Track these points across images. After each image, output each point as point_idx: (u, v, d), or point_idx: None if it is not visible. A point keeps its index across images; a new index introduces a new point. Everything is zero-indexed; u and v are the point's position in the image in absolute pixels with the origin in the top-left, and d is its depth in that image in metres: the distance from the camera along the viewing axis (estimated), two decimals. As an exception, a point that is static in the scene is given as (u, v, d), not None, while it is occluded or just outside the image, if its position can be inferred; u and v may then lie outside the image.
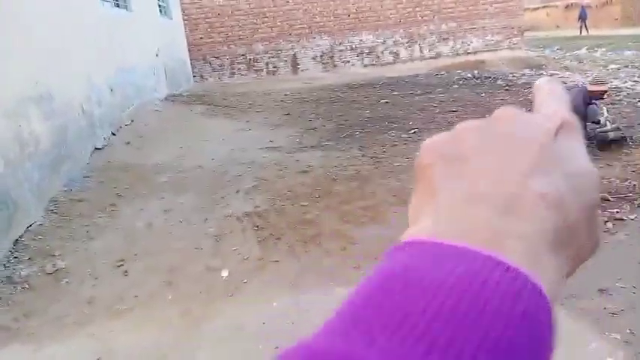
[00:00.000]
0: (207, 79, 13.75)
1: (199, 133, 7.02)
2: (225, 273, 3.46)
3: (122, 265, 3.58)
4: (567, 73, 11.57)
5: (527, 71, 11.66)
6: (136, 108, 7.39)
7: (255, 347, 2.73)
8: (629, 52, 16.03)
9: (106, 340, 2.92)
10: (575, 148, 0.28)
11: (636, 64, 12.87)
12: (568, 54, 17.59)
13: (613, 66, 13.00)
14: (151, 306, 3.16)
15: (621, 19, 25.97)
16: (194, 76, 13.20)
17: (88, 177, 5.10)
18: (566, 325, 2.68)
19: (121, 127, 6.60)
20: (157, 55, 9.06)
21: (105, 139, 6.04)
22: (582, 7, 25.27)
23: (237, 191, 4.80)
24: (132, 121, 7.05)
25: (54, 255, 3.78)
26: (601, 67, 12.19)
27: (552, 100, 0.31)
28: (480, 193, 0.25)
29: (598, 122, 5.61)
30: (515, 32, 14.73)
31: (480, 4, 14.27)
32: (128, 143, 6.24)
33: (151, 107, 8.04)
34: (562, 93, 0.32)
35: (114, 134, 6.30)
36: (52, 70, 4.94)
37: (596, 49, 18.21)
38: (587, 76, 9.92)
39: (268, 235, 3.94)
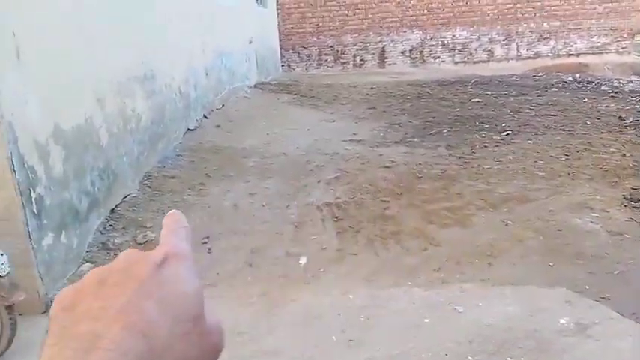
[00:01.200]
0: (294, 68, 13.96)
1: (285, 121, 7.14)
2: (303, 260, 3.50)
3: (207, 242, 3.72)
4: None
5: (634, 78, 10.75)
6: (228, 93, 7.65)
7: (329, 337, 2.73)
8: None
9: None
10: (178, 274, 0.34)
11: None
12: (684, 61, 16.02)
13: None
14: (231, 284, 3.26)
15: None
16: (282, 65, 13.45)
17: (181, 156, 5.35)
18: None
19: (212, 110, 6.86)
20: (250, 43, 9.31)
21: (197, 120, 6.30)
22: None
23: (319, 181, 4.82)
24: (223, 105, 7.30)
25: (145, 226, 4.00)
26: None
27: (170, 234, 0.37)
28: (73, 336, 0.30)
29: None
30: (625, 35, 13.63)
31: (587, 3, 13.34)
32: (218, 126, 6.48)
33: (241, 93, 8.29)
34: (181, 227, 0.39)
35: (206, 117, 6.56)
36: (157, 51, 5.21)
37: None
38: None
39: (347, 227, 3.92)
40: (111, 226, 4.03)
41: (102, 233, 3.92)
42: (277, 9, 13.06)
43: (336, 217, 4.09)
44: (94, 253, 3.68)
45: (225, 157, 5.43)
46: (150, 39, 5.05)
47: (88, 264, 3.58)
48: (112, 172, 4.22)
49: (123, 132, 4.45)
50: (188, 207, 4.24)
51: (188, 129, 5.97)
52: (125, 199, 4.35)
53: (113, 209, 4.18)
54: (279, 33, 13.26)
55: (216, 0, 7.41)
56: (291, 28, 13.86)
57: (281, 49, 13.42)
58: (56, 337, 0.31)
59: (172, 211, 0.41)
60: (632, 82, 10.09)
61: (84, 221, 3.75)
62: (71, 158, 3.66)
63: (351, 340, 2.68)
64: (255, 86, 9.29)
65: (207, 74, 6.75)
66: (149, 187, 4.59)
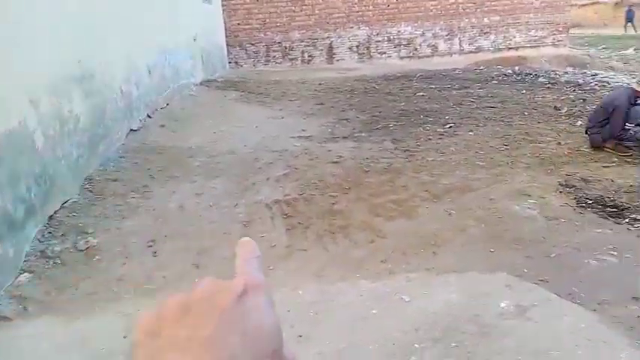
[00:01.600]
0: (242, 65, 13.82)
1: (233, 119, 7.06)
2: (252, 259, 3.47)
3: (152, 245, 3.63)
4: (612, 73, 11.17)
5: (570, 69, 11.31)
6: (172, 91, 7.48)
7: (279, 334, 2.72)
8: (680, 53, 15.34)
9: (133, 319, 2.97)
10: (259, 306, 0.34)
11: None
12: (614, 54, 16.95)
13: (662, 67, 12.46)
14: (178, 287, 3.20)
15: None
16: (229, 62, 13.28)
17: (123, 157, 5.19)
18: (597, 332, 2.60)
19: (156, 109, 6.69)
20: (194, 40, 9.14)
21: (141, 120, 6.13)
22: (629, 7, 24.58)
23: (268, 178, 4.80)
24: (167, 104, 7.14)
25: (87, 232, 3.86)
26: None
27: (245, 264, 0.38)
28: None
29: (640, 125, 5.39)
30: (560, 29, 14.27)
31: (525, -2, 13.87)
32: (163, 126, 6.33)
33: (186, 91, 8.13)
34: (254, 255, 0.39)
35: (149, 116, 6.39)
36: (95, 50, 5.03)
37: (644, 48, 17.49)
38: (633, 77, 9.54)
39: (297, 223, 3.93)
40: (50, 233, 3.86)
41: (40, 241, 3.76)
42: (222, 5, 12.86)
43: (285, 214, 4.09)
44: (32, 263, 3.52)
45: (170, 157, 5.31)
46: (87, 37, 4.87)
47: (26, 274, 3.42)
48: (50, 176, 4.04)
49: (60, 134, 4.27)
50: (132, 210, 4.13)
51: (131, 129, 5.80)
52: (65, 205, 4.18)
53: (52, 216, 4.00)
54: (226, 29, 13.07)
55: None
56: (238, 24, 13.70)
57: (228, 45, 13.24)
58: None
59: (245, 238, 0.41)
60: (567, 73, 10.60)
61: (20, 229, 3.58)
62: (3, 163, 3.49)
63: (300, 336, 2.69)
64: (201, 84, 9.13)
65: (150, 72, 6.57)
66: (90, 191, 4.43)
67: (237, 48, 13.78)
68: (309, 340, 2.66)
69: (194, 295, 0.34)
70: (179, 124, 6.53)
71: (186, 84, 8.31)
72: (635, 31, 23.31)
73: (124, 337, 2.80)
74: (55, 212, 4.02)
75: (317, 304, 2.97)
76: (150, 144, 5.66)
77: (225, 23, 13.00)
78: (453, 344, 2.60)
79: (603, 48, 19.04)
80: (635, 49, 17.68)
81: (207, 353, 0.30)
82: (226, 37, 13.05)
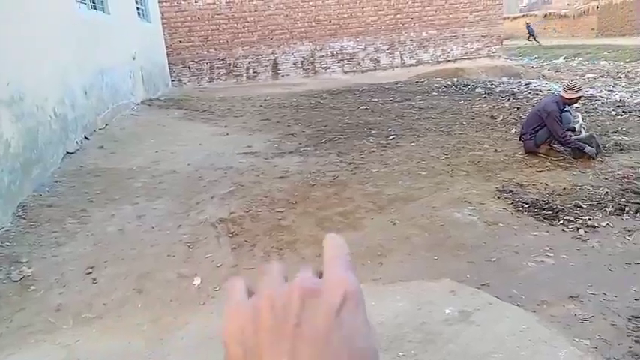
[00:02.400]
0: (185, 83, 13.64)
1: (176, 137, 6.93)
2: (197, 280, 3.39)
3: (91, 272, 3.48)
4: (544, 81, 11.77)
5: (505, 79, 11.83)
6: (112, 112, 7.27)
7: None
8: (604, 62, 16.41)
9: (72, 349, 2.83)
10: (358, 322, 0.31)
11: (611, 74, 13.16)
12: (545, 63, 17.92)
13: (589, 75, 13.27)
14: (120, 314, 3.08)
15: (597, 29, 26.58)
16: (172, 80, 13.09)
17: (59, 182, 4.97)
18: (536, 332, 2.69)
19: (95, 130, 6.48)
20: (134, 59, 8.94)
21: (78, 143, 5.91)
22: (527, 24, 26.62)
23: (213, 197, 4.72)
24: (106, 125, 6.92)
25: (21, 262, 3.66)
26: (577, 77, 12.44)
27: (336, 262, 0.34)
28: None
29: (573, 130, 5.68)
30: (495, 41, 14.95)
31: (460, 13, 14.46)
32: (102, 147, 6.12)
33: (126, 111, 7.92)
34: (345, 253, 0.35)
35: (87, 138, 6.18)
36: (25, 71, 4.83)
37: (573, 58, 18.60)
38: (563, 85, 10.10)
39: (243, 241, 3.87)
40: (-20, 264, 3.64)
41: (-30, 274, 3.53)
42: (163, 23, 12.69)
43: (231, 233, 4.02)
44: (-40, 298, 3.29)
45: (110, 180, 5.13)
46: (15, 58, 4.66)
47: (-47, 310, 3.20)
48: (-23, 205, 3.82)
49: (-12, 160, 4.05)
50: (69, 236, 3.95)
51: (67, 152, 5.57)
52: (-4, 234, 3.96)
53: (-18, 246, 3.78)
54: (167, 47, 12.89)
55: (85, 14, 7.03)
56: (180, 42, 13.54)
57: (170, 63, 13.05)
58: None
59: (331, 234, 0.38)
60: (503, 83, 11.09)
61: (-56, 263, 3.36)
62: None
63: (248, 357, 2.64)
64: (142, 103, 8.93)
65: (86, 93, 6.36)
66: (24, 218, 4.21)
67: (180, 66, 13.60)
68: None
69: (287, 301, 0.32)
70: (119, 145, 6.34)
71: (127, 104, 8.10)
72: (531, 42, 25.14)
73: (62, 371, 2.66)
74: (-15, 243, 3.80)
75: (265, 322, 2.92)
76: (88, 167, 5.46)
77: (166, 41, 12.81)
78: (401, 354, 2.62)
79: (536, 58, 20.12)
80: (564, 58, 18.77)
81: None
82: (168, 55, 12.87)
